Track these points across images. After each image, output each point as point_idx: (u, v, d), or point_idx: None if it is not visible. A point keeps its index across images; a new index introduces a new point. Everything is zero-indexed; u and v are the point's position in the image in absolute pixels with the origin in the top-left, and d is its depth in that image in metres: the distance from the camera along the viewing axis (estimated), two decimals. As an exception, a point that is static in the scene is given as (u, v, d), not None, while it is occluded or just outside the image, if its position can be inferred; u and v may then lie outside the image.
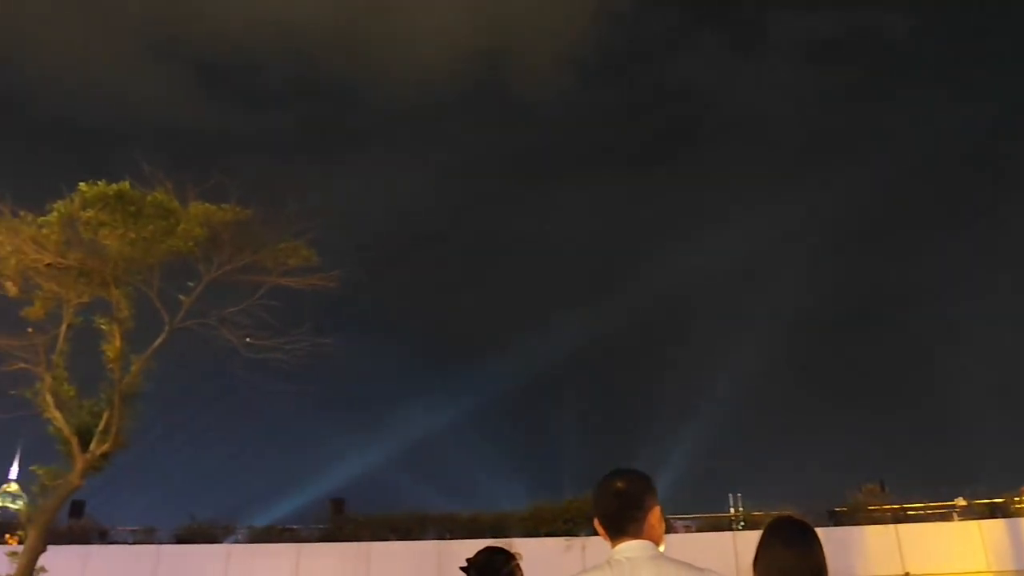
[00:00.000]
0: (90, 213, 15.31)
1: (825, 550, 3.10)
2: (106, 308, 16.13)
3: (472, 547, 4.14)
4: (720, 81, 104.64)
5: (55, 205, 15.40)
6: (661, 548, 2.91)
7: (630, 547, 2.87)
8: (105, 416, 15.58)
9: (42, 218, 15.44)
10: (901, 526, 20.07)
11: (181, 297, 16.46)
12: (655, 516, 2.94)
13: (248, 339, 16.78)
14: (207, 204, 16.34)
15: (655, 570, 2.80)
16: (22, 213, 15.43)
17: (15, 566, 14.90)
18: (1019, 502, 21.00)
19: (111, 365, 15.90)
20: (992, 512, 20.51)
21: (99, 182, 15.45)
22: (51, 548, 15.35)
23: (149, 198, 15.71)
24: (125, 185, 15.54)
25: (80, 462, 15.22)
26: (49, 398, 15.36)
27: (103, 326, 16.06)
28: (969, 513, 21.06)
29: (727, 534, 20.31)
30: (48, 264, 15.33)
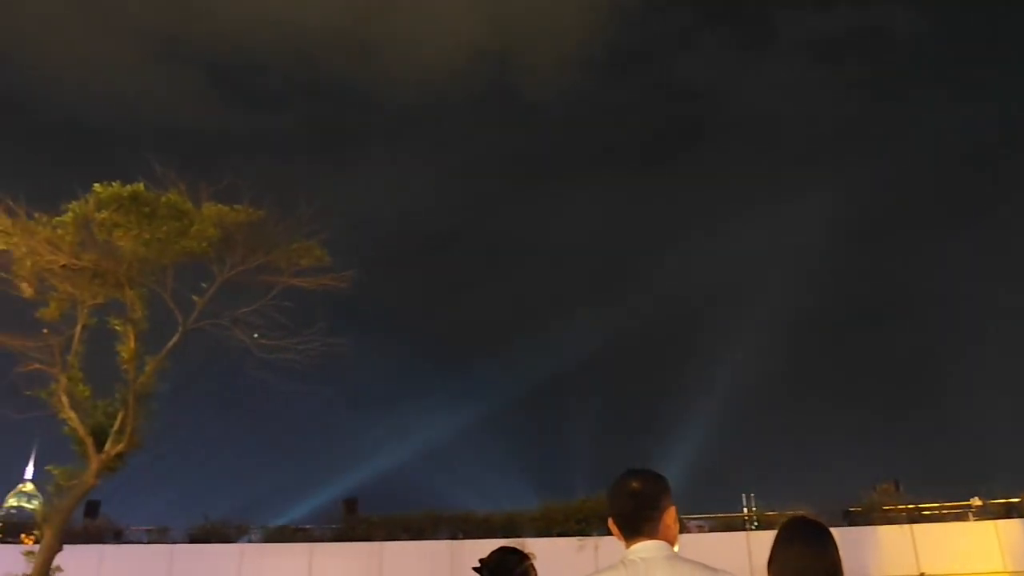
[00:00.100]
0: (105, 214, 15.41)
1: (839, 550, 3.09)
2: (120, 309, 16.24)
3: (484, 547, 4.14)
4: (727, 80, 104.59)
5: (70, 206, 15.50)
6: (675, 548, 2.90)
7: (645, 547, 2.86)
8: (120, 416, 15.67)
9: (57, 219, 15.54)
10: (916, 526, 19.92)
11: (195, 298, 16.55)
12: (670, 516, 2.93)
13: (256, 335, 16.84)
14: (220, 205, 16.41)
15: (670, 570, 2.79)
16: (37, 215, 15.54)
17: (31, 565, 15.02)
18: (1036, 502, 20.84)
19: (125, 366, 15.99)
20: (1008, 512, 20.32)
21: (113, 183, 15.54)
22: (66, 547, 15.44)
23: (163, 199, 15.80)
24: (139, 186, 15.63)
25: (95, 462, 15.31)
26: (64, 399, 15.45)
27: (117, 327, 16.16)
28: (985, 513, 20.87)
29: (740, 534, 20.21)
30: (63, 265, 15.42)
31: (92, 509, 22.04)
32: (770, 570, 3.12)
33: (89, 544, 20.42)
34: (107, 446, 15.42)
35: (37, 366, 15.59)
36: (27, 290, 15.47)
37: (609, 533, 3.02)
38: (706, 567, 2.82)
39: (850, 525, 20.41)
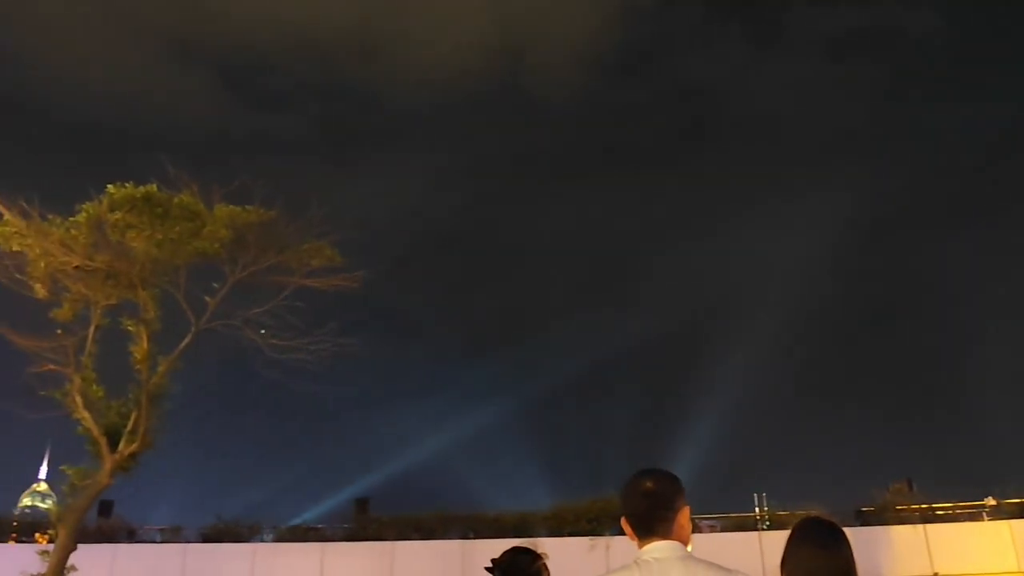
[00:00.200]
0: (118, 215, 15.48)
1: (852, 550, 3.08)
2: (133, 310, 16.31)
3: (495, 546, 4.15)
4: (736, 79, 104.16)
5: (83, 207, 15.58)
6: (688, 548, 2.90)
7: (659, 547, 2.86)
8: (133, 416, 15.74)
9: (70, 220, 15.62)
10: (930, 526, 19.80)
11: (207, 298, 16.61)
12: (684, 516, 2.93)
13: (263, 331, 16.89)
14: (232, 206, 16.47)
15: (684, 571, 2.79)
16: (50, 216, 15.63)
17: (46, 564, 15.11)
18: (1051, 502, 20.70)
19: (138, 366, 16.07)
20: (1022, 512, 20.20)
21: (127, 184, 15.62)
22: (81, 547, 15.51)
23: (176, 200, 15.86)
24: (152, 187, 15.70)
25: (109, 462, 15.39)
26: (78, 399, 15.52)
27: (130, 327, 16.23)
28: (999, 513, 20.74)
29: (752, 534, 20.14)
30: (76, 266, 15.51)
31: (106, 509, 22.16)
32: (783, 570, 3.12)
33: (103, 543, 20.53)
34: (121, 446, 15.49)
35: (51, 367, 15.67)
36: (41, 291, 15.55)
37: (621, 533, 3.01)
38: (720, 567, 2.82)
39: (863, 525, 20.32)
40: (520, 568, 3.87)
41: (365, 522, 22.48)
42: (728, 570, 2.80)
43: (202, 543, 21.93)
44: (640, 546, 2.92)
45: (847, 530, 3.16)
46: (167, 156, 16.35)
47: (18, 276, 15.55)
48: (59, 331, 15.75)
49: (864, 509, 21.39)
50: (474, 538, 20.97)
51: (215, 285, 16.70)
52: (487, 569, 3.85)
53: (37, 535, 21.74)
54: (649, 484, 2.94)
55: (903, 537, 19.57)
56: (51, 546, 15.89)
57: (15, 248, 15.32)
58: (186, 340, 16.34)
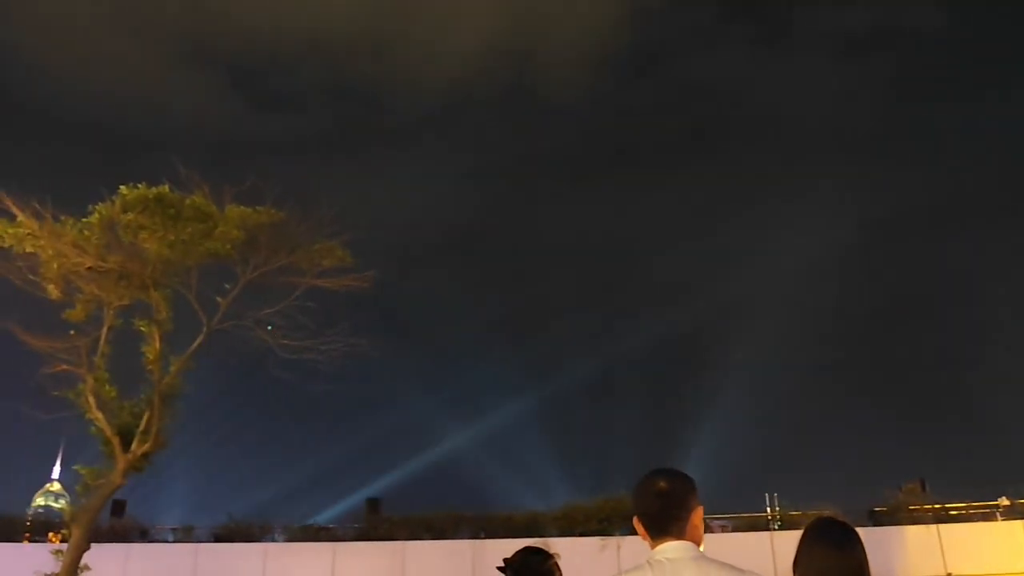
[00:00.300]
0: (130, 216, 15.56)
1: (865, 550, 3.07)
2: (145, 310, 16.39)
3: (506, 546, 4.15)
4: (747, 79, 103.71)
5: (96, 208, 15.66)
6: (701, 549, 2.89)
7: (672, 547, 2.85)
8: (145, 416, 15.81)
9: (83, 221, 15.71)
10: (943, 526, 19.72)
11: (218, 299, 16.67)
12: (698, 516, 2.92)
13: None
14: (243, 207, 16.53)
15: (697, 571, 2.78)
16: (63, 217, 15.71)
17: (60, 564, 15.19)
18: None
19: (151, 366, 16.14)
20: (1036, 512, 20.11)
21: (139, 185, 15.69)
22: (94, 546, 15.58)
23: (188, 201, 15.93)
24: (164, 188, 15.77)
25: (122, 462, 15.46)
26: (91, 399, 15.60)
27: (143, 328, 16.30)
28: (1013, 513, 20.64)
29: (764, 534, 20.10)
30: (89, 267, 15.58)
31: (118, 508, 22.28)
32: (796, 571, 3.11)
33: (116, 543, 20.64)
34: (133, 446, 15.56)
35: (64, 367, 15.75)
36: (54, 292, 15.63)
37: (632, 533, 3.02)
38: (733, 568, 2.81)
39: (875, 525, 20.26)
40: (532, 568, 3.86)
41: (376, 522, 22.54)
42: (741, 570, 2.79)
43: (214, 543, 22.03)
44: (652, 546, 2.91)
45: (859, 530, 3.14)
46: (178, 157, 16.45)
47: (31, 277, 15.64)
48: (72, 332, 15.83)
49: (877, 509, 21.32)
50: (485, 538, 20.99)
51: (227, 286, 16.78)
52: (499, 569, 3.85)
53: (50, 535, 21.87)
54: (662, 484, 2.93)
55: (916, 537, 19.49)
56: (64, 545, 15.98)
57: (28, 249, 15.40)
58: (198, 340, 16.41)
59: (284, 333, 17.00)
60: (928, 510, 20.56)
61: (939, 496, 21.02)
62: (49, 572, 15.37)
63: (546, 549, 3.99)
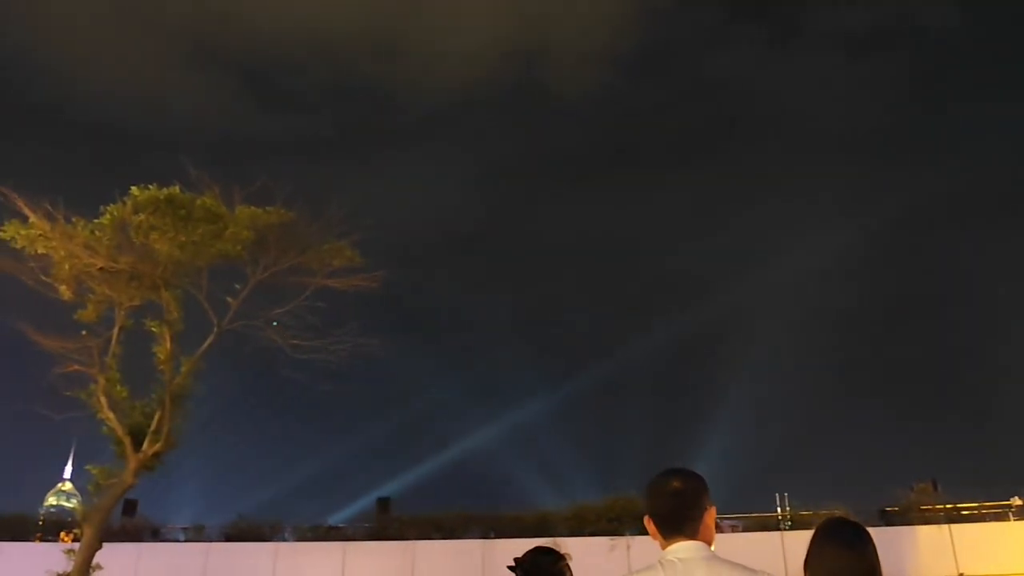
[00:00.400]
0: (141, 217, 15.63)
1: (877, 550, 3.05)
2: (156, 311, 16.47)
3: (516, 546, 4.15)
4: (756, 78, 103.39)
5: (107, 209, 15.73)
6: (712, 549, 2.89)
7: (684, 547, 2.84)
8: (157, 416, 15.87)
9: (94, 222, 15.78)
10: (955, 526, 19.59)
11: (229, 299, 16.73)
12: (711, 516, 2.91)
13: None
14: (253, 207, 16.57)
15: (709, 571, 2.78)
16: (75, 219, 15.79)
17: (72, 563, 15.27)
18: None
19: (162, 367, 16.20)
20: (1049, 512, 19.99)
21: (150, 186, 15.76)
22: (105, 545, 15.67)
23: (198, 202, 15.98)
24: (175, 189, 15.83)
25: (133, 462, 15.53)
26: (103, 399, 15.68)
27: (154, 328, 16.37)
28: (1025, 513, 20.54)
29: (775, 534, 20.03)
30: (100, 268, 15.66)
31: (130, 508, 22.37)
32: (806, 570, 3.10)
33: (127, 542, 20.74)
34: (144, 446, 15.63)
35: (76, 367, 15.84)
36: (66, 293, 15.72)
37: (642, 533, 3.01)
38: (745, 568, 2.81)
39: (887, 525, 20.16)
40: (542, 568, 3.86)
41: (387, 521, 22.57)
42: (753, 570, 2.78)
43: (225, 542, 22.09)
44: (664, 546, 2.90)
45: (871, 530, 3.13)
46: (189, 158, 16.51)
47: (44, 278, 15.73)
48: (84, 332, 15.93)
49: (888, 509, 21.21)
50: (495, 537, 20.99)
51: (237, 286, 16.84)
52: (509, 568, 3.85)
53: (62, 534, 21.99)
54: (676, 483, 2.92)
55: (928, 537, 19.37)
56: (76, 545, 16.06)
57: (40, 251, 15.49)
58: (208, 340, 16.48)
59: (294, 333, 17.05)
60: (940, 510, 20.45)
61: (951, 496, 20.90)
62: (61, 571, 15.46)
63: (557, 549, 3.98)
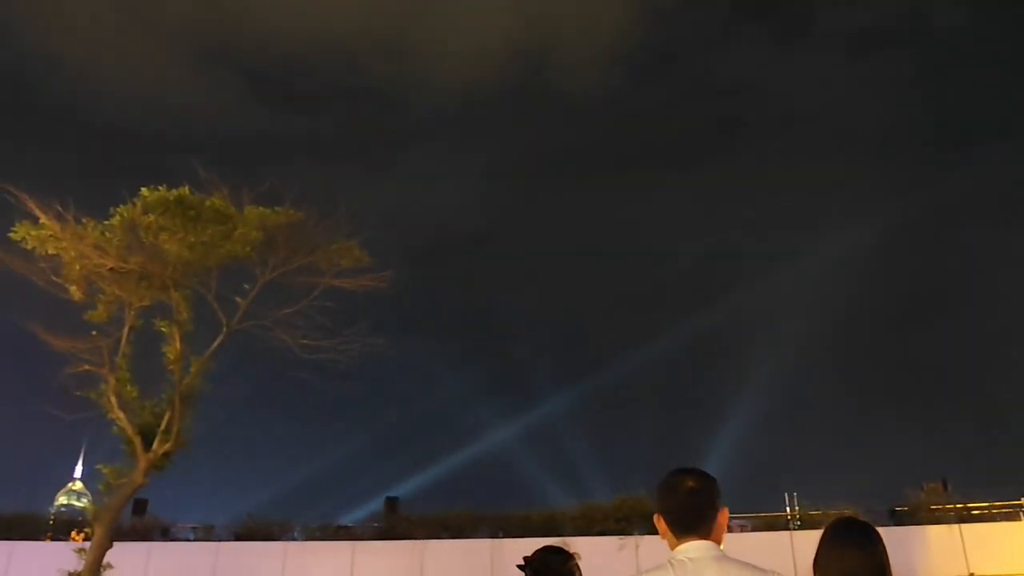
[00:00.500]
0: (151, 218, 15.68)
1: (887, 550, 3.05)
2: (166, 311, 16.51)
3: (525, 545, 4.15)
4: (763, 77, 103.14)
5: (117, 210, 15.80)
6: (721, 548, 2.89)
7: (694, 547, 2.84)
8: (166, 416, 15.93)
9: (105, 223, 15.85)
10: (965, 526, 19.52)
11: (238, 299, 16.77)
12: (724, 517, 2.92)
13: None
14: (262, 208, 16.61)
15: (719, 571, 2.78)
16: (85, 219, 15.86)
17: (83, 562, 15.34)
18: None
19: (171, 366, 16.25)
20: (1060, 511, 19.92)
21: (160, 187, 15.81)
22: (116, 544, 15.74)
23: (207, 203, 16.02)
24: (185, 190, 15.87)
25: (143, 461, 15.58)
26: (113, 399, 15.74)
27: (163, 328, 16.42)
28: (1036, 513, 20.46)
29: (784, 533, 19.99)
30: (111, 268, 15.72)
31: (140, 507, 22.47)
32: (816, 570, 3.10)
33: (137, 541, 20.82)
34: (154, 445, 15.68)
35: (87, 367, 15.90)
36: (76, 293, 15.79)
37: (650, 532, 3.02)
38: (755, 567, 2.81)
39: (897, 525, 20.10)
40: (552, 568, 3.86)
41: (395, 521, 22.61)
42: (763, 570, 2.79)
43: (234, 541, 22.15)
44: (674, 545, 2.90)
45: (881, 530, 3.12)
46: (198, 159, 16.56)
47: (54, 279, 15.80)
48: (94, 332, 15.99)
49: (898, 509, 21.15)
50: (503, 537, 21.00)
51: (246, 286, 16.88)
52: (519, 567, 3.86)
53: (73, 533, 22.10)
54: (691, 483, 2.92)
55: (938, 537, 19.30)
56: (87, 544, 16.13)
57: (51, 251, 15.56)
58: (218, 340, 16.53)
59: (303, 333, 17.08)
60: (950, 510, 20.37)
61: (961, 496, 20.82)
62: (72, 570, 15.53)
63: (566, 549, 3.98)
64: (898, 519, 20.70)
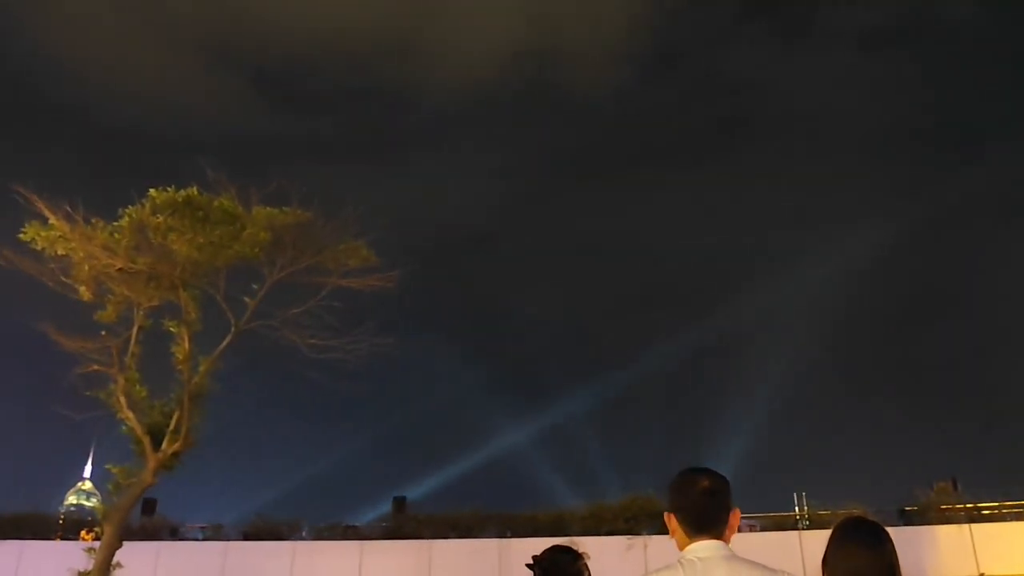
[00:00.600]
0: (160, 218, 15.72)
1: (896, 549, 3.04)
2: (175, 311, 16.55)
3: (533, 545, 4.15)
4: (770, 76, 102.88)
5: (126, 211, 15.85)
6: (729, 548, 2.88)
7: (704, 547, 2.84)
8: (175, 416, 15.98)
9: (113, 224, 15.91)
10: (975, 525, 19.41)
11: (246, 299, 16.82)
12: (735, 517, 2.92)
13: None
14: (270, 208, 16.65)
15: (729, 570, 2.77)
16: (94, 220, 15.92)
17: (92, 561, 15.40)
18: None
19: (180, 366, 16.30)
20: (1071, 511, 19.80)
21: (168, 188, 15.86)
22: (125, 544, 15.79)
23: (215, 203, 16.06)
24: (193, 191, 15.91)
25: (152, 461, 15.63)
26: (122, 399, 15.79)
27: (172, 328, 16.47)
28: (1046, 512, 20.34)
29: (792, 533, 19.92)
30: (119, 269, 15.78)
31: (149, 507, 22.55)
32: (825, 570, 3.09)
33: (146, 541, 20.89)
34: (164, 445, 15.73)
35: (96, 367, 15.97)
36: (85, 293, 15.85)
37: (659, 532, 3.02)
38: (764, 567, 2.80)
39: (906, 524, 20.02)
40: (561, 567, 3.86)
41: (403, 520, 22.63)
42: (772, 570, 2.78)
43: (243, 541, 22.21)
44: (685, 544, 2.90)
45: (890, 530, 3.11)
46: (206, 160, 16.61)
47: (64, 279, 15.86)
48: (103, 333, 16.06)
49: (907, 508, 21.06)
50: (511, 537, 20.99)
51: (254, 286, 16.92)
52: (528, 566, 3.86)
53: (82, 532, 22.18)
54: (707, 483, 2.91)
55: (948, 537, 19.21)
56: (97, 543, 16.18)
57: (60, 252, 15.62)
58: (226, 340, 16.57)
59: (311, 333, 17.11)
60: (960, 509, 20.26)
61: (971, 495, 20.71)
62: (81, 569, 15.58)
63: (575, 548, 3.98)
64: (907, 519, 20.62)
